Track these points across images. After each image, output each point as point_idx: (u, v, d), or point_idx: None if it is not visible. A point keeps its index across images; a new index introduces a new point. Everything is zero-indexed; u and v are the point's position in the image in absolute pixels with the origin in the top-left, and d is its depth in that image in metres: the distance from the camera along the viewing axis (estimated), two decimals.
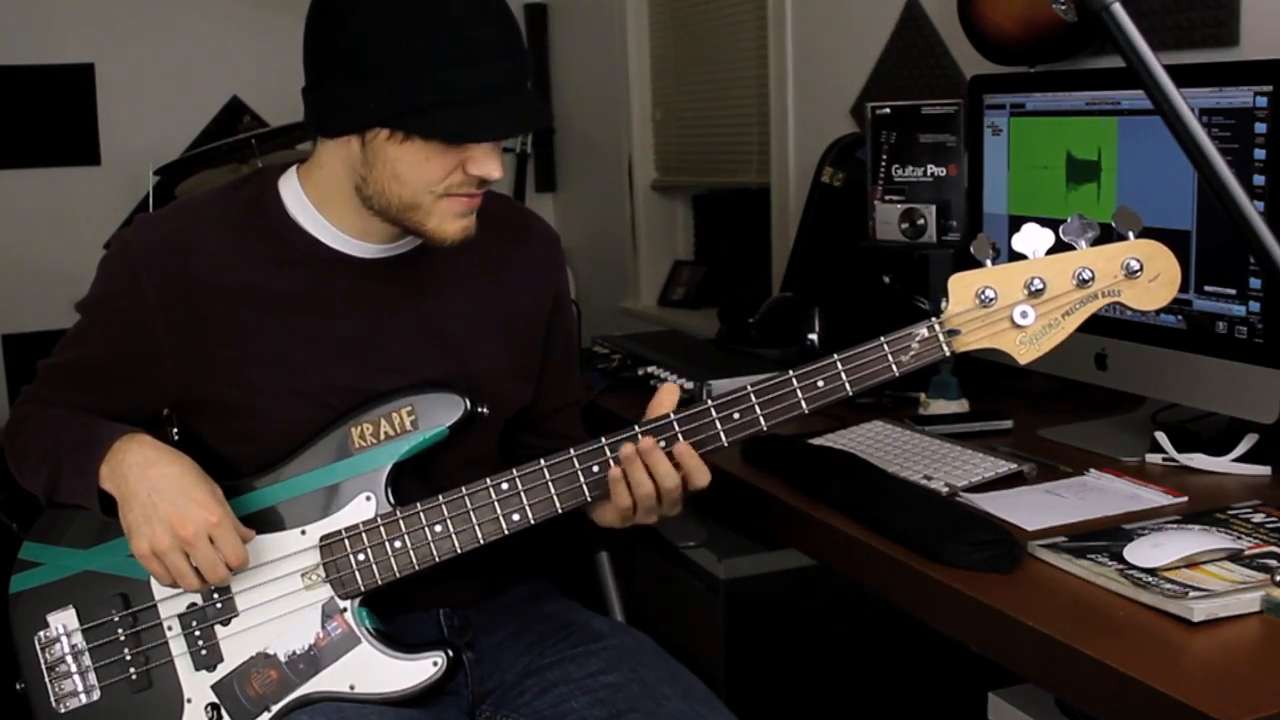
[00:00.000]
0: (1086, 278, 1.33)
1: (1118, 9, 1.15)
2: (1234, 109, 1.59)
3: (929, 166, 2.18)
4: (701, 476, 1.40)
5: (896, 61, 2.79)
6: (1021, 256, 1.34)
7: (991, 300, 1.33)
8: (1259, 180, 1.57)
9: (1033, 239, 1.34)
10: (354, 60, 1.35)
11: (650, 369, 2.24)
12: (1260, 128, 1.57)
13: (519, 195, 4.49)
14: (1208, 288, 1.66)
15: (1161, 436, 1.70)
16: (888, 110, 2.22)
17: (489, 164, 1.40)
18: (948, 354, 1.35)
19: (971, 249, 1.36)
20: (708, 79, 3.68)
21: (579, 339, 1.78)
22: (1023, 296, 1.34)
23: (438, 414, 1.46)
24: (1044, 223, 1.36)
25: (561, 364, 1.69)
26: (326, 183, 1.47)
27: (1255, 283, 1.60)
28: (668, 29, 3.89)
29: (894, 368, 1.35)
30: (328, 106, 1.41)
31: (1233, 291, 1.63)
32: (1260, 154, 1.57)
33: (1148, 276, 1.33)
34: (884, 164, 2.22)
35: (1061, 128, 1.87)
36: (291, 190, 1.51)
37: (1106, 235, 1.35)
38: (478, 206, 1.45)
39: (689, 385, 2.12)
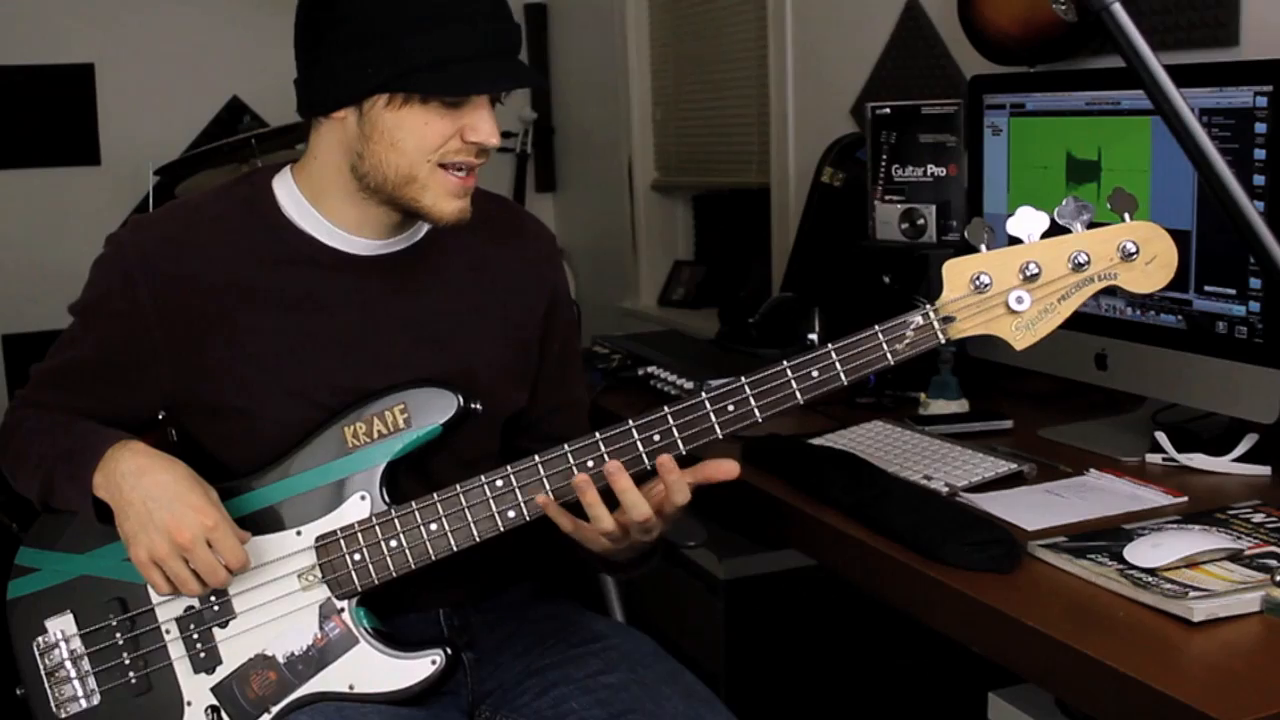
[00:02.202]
0: (1082, 261, 1.31)
1: (1118, 9, 1.15)
2: (1234, 109, 1.59)
3: (929, 166, 2.17)
4: (679, 495, 1.36)
5: (896, 61, 2.79)
6: (1016, 241, 1.33)
7: (986, 286, 1.32)
8: (1259, 180, 1.57)
9: (1027, 222, 1.32)
10: (350, 31, 1.38)
11: (650, 369, 2.24)
12: (1260, 128, 1.57)
13: (519, 195, 4.49)
14: (1208, 288, 1.66)
15: (1161, 436, 1.70)
16: (888, 110, 2.22)
17: (485, 129, 1.41)
18: (943, 340, 1.33)
19: (966, 233, 1.35)
20: (708, 79, 3.68)
21: (579, 339, 1.77)
22: (1018, 281, 1.32)
23: (431, 411, 1.46)
24: None
25: (559, 363, 1.67)
26: (321, 173, 1.47)
27: (1255, 283, 1.60)
28: (668, 29, 3.89)
29: (889, 356, 1.33)
30: (323, 83, 1.42)
31: (1233, 291, 1.63)
32: (1260, 154, 1.57)
33: (1144, 259, 1.31)
34: (884, 164, 2.22)
35: (1061, 128, 1.87)
36: (286, 188, 1.51)
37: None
38: (472, 187, 1.46)
39: (689, 385, 2.12)
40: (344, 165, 1.45)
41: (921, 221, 2.17)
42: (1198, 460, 1.67)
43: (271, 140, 3.33)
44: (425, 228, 1.54)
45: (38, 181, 4.11)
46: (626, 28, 3.98)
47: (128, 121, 4.14)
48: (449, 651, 1.44)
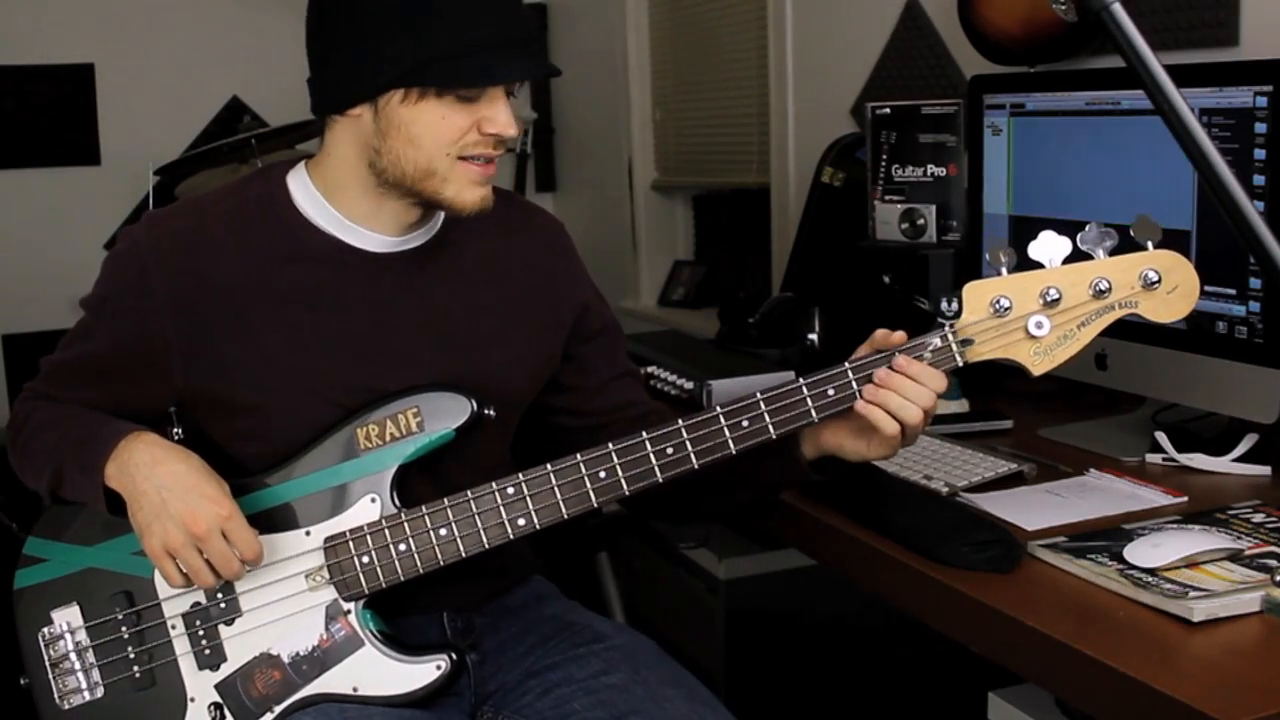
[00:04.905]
0: (1104, 288, 1.31)
1: (1118, 9, 1.16)
2: (1234, 109, 1.60)
3: (929, 166, 2.18)
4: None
5: (896, 61, 2.79)
6: (1037, 264, 1.33)
7: (1006, 310, 1.32)
8: (1259, 180, 1.57)
9: (1049, 247, 1.32)
10: (362, 27, 1.38)
11: (650, 369, 2.24)
12: (1260, 128, 1.57)
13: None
14: (1208, 288, 1.66)
15: (1161, 436, 1.71)
16: (888, 110, 2.22)
17: (503, 119, 1.41)
18: (961, 364, 1.34)
19: (987, 257, 1.35)
20: (708, 79, 3.68)
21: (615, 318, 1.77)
22: (1038, 307, 1.32)
23: (444, 416, 1.46)
24: (1044, 224, 1.35)
25: (605, 338, 1.68)
26: (336, 170, 1.48)
27: (1255, 283, 1.60)
28: (668, 29, 3.89)
29: None
30: (337, 81, 1.42)
31: (1233, 291, 1.63)
32: (1260, 154, 1.57)
33: (1166, 288, 1.31)
34: (884, 164, 2.22)
35: (1061, 128, 1.87)
36: (300, 184, 1.51)
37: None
38: (493, 175, 1.46)
39: (689, 385, 2.12)
40: (361, 161, 1.45)
41: (921, 221, 2.18)
42: (1198, 460, 1.68)
43: (271, 140, 3.34)
44: (438, 224, 1.54)
45: (38, 181, 4.11)
46: (626, 28, 3.98)
47: (128, 121, 4.14)
48: (454, 656, 1.45)
